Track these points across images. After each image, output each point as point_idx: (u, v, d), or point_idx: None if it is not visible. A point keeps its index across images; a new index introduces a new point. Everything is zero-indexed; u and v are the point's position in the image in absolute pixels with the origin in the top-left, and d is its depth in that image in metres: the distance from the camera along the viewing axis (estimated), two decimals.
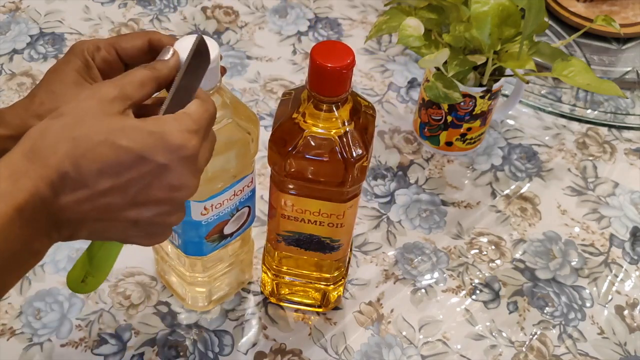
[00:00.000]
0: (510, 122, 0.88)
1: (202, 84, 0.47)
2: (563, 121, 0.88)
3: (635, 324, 0.71)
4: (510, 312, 0.71)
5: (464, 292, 0.72)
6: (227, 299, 0.69)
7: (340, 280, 0.68)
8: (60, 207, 0.41)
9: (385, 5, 0.78)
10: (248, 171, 0.58)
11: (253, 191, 0.60)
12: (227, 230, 0.60)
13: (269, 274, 0.67)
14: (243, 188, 0.58)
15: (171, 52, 0.46)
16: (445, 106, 0.78)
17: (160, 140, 0.41)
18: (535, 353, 0.68)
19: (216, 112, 0.46)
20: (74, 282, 0.50)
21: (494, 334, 0.69)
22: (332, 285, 0.67)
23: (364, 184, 0.79)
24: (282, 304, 0.69)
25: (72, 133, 0.40)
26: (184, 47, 0.46)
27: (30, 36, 0.91)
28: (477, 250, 0.75)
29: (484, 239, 0.76)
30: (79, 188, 0.40)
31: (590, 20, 0.92)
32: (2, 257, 0.39)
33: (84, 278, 0.50)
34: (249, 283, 0.70)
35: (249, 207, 0.61)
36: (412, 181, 0.80)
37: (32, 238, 0.41)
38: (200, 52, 0.45)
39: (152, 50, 0.49)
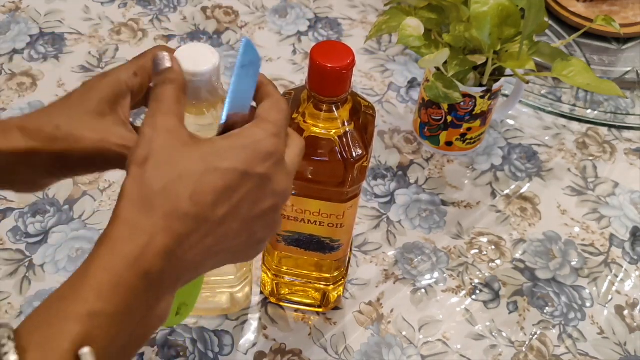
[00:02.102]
0: (510, 122, 0.88)
1: (204, 95, 0.47)
2: (563, 121, 0.88)
3: (635, 324, 0.71)
4: (510, 312, 0.71)
5: (464, 292, 0.72)
6: (220, 313, 0.67)
7: (340, 280, 0.68)
8: (185, 253, 0.39)
9: (385, 5, 0.78)
10: None
11: None
12: None
13: (269, 274, 0.67)
14: None
15: (167, 57, 0.45)
16: (445, 106, 0.78)
17: (255, 151, 0.41)
18: (535, 353, 0.68)
19: (289, 109, 0.45)
20: (169, 317, 0.47)
21: (494, 334, 0.69)
22: (332, 285, 0.67)
23: (364, 184, 0.79)
24: (282, 304, 0.69)
25: (174, 172, 0.39)
26: (184, 56, 0.45)
27: (30, 36, 0.91)
28: (477, 250, 0.75)
29: (484, 239, 0.76)
30: (201, 225, 0.39)
31: (590, 20, 0.92)
32: (129, 328, 0.37)
33: (178, 310, 0.48)
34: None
35: None
36: (412, 181, 0.80)
37: (159, 300, 0.39)
38: (247, 55, 0.43)
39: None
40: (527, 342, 0.69)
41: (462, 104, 0.76)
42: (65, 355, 0.34)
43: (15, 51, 0.89)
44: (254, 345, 0.66)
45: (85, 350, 0.34)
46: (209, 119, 0.50)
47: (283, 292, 0.69)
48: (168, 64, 0.44)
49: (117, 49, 0.90)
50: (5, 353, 0.33)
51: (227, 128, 0.43)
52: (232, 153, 0.40)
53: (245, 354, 0.66)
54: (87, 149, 0.44)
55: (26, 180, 0.46)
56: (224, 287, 0.65)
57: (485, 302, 0.71)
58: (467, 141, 0.81)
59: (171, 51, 0.47)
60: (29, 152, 0.44)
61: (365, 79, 0.90)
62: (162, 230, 0.37)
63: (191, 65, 0.46)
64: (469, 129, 0.80)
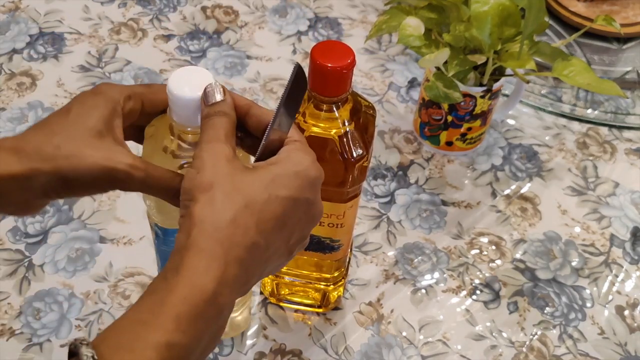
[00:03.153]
0: (511, 122, 0.87)
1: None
2: (563, 121, 0.88)
3: (635, 324, 0.71)
4: (511, 312, 0.71)
5: (464, 292, 0.72)
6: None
7: (340, 280, 0.68)
8: (249, 280, 0.41)
9: (385, 5, 0.78)
10: None
11: None
12: None
13: None
14: None
15: (220, 89, 0.45)
16: (445, 106, 0.78)
17: (305, 178, 0.43)
18: (536, 353, 0.68)
19: None
20: None
21: (494, 334, 0.69)
22: (332, 286, 0.67)
23: (364, 184, 0.79)
24: (282, 304, 0.69)
25: (241, 201, 0.40)
26: (178, 81, 0.45)
27: (30, 36, 0.91)
28: (477, 250, 0.75)
29: (484, 239, 0.76)
30: (263, 252, 0.41)
31: (591, 20, 0.92)
32: (197, 353, 0.39)
33: None
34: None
35: None
36: (412, 181, 0.80)
37: (222, 324, 0.41)
38: (298, 80, 0.44)
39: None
40: (527, 343, 0.69)
41: (462, 103, 0.76)
42: None
43: (14, 51, 0.89)
44: (254, 345, 0.66)
45: None
46: None
47: (283, 292, 0.68)
48: (221, 96, 0.45)
49: (116, 49, 0.90)
50: None
51: (267, 146, 0.44)
52: (286, 180, 0.42)
53: (245, 354, 0.66)
54: (91, 168, 0.43)
55: (18, 203, 0.45)
56: None
57: (485, 303, 0.71)
58: (468, 141, 0.81)
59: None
60: (25, 174, 0.43)
61: (365, 79, 0.90)
62: (234, 260, 0.39)
63: (187, 91, 0.45)
64: (469, 129, 0.80)
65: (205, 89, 0.45)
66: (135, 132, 0.50)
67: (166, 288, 0.38)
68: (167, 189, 0.44)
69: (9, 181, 0.42)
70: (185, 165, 0.48)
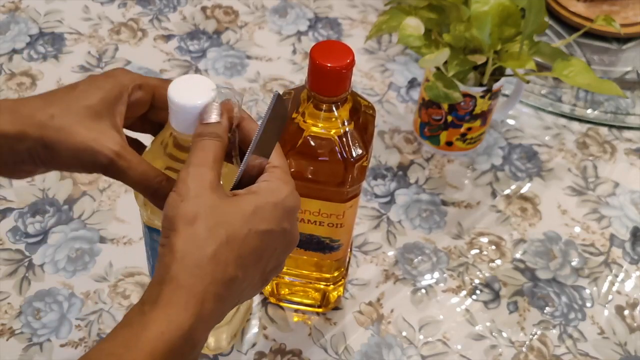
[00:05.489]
0: (511, 122, 0.87)
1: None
2: (563, 121, 0.88)
3: (635, 324, 0.71)
4: (511, 312, 0.71)
5: (464, 292, 0.72)
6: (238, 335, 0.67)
7: (340, 280, 0.68)
8: (223, 312, 0.42)
9: (385, 5, 0.78)
10: None
11: None
12: None
13: None
14: None
15: (218, 111, 0.45)
16: (445, 106, 0.78)
17: (283, 209, 0.43)
18: (536, 353, 0.68)
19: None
20: None
21: (494, 334, 0.69)
22: (332, 286, 0.67)
23: (364, 184, 0.79)
24: (282, 304, 0.69)
25: (222, 235, 0.40)
26: (180, 88, 0.45)
27: (30, 36, 0.91)
28: (477, 250, 0.75)
29: (484, 239, 0.76)
30: (239, 285, 0.42)
31: (591, 20, 0.92)
32: None
33: None
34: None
35: None
36: (412, 181, 0.80)
37: (195, 356, 0.41)
38: (277, 109, 0.44)
39: None
40: (527, 342, 0.69)
41: (462, 103, 0.76)
42: None
43: (14, 51, 0.89)
44: (254, 345, 0.66)
45: None
46: None
47: (283, 292, 0.68)
48: (218, 118, 0.44)
49: (116, 49, 0.90)
50: None
51: (246, 172, 0.44)
52: (266, 213, 0.42)
53: (245, 354, 0.66)
54: (78, 145, 0.43)
55: (7, 163, 0.45)
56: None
57: (485, 302, 0.71)
58: (468, 141, 0.81)
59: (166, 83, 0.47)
60: (14, 135, 0.43)
61: (365, 79, 0.90)
62: (212, 296, 0.40)
63: (186, 98, 0.45)
64: (469, 129, 0.80)
65: (205, 106, 0.45)
66: (148, 125, 0.50)
67: (142, 321, 0.38)
68: (147, 186, 0.44)
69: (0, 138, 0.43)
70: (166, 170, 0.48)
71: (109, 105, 0.45)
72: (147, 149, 0.50)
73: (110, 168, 0.44)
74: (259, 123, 0.44)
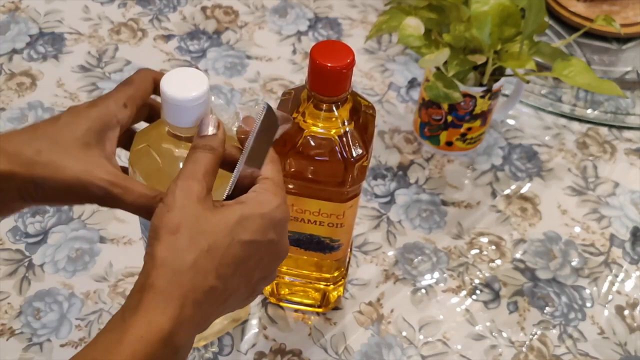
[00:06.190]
0: (511, 122, 0.87)
1: (195, 122, 0.46)
2: (563, 121, 0.88)
3: (635, 324, 0.71)
4: (511, 312, 0.71)
5: (464, 292, 0.72)
6: (219, 335, 0.66)
7: (340, 280, 0.68)
8: (205, 320, 0.42)
9: (385, 5, 0.78)
10: None
11: None
12: None
13: None
14: None
15: (214, 123, 0.45)
16: (445, 106, 0.78)
17: (270, 220, 0.43)
18: (536, 353, 0.68)
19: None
20: None
21: (494, 334, 0.69)
22: (332, 286, 0.67)
23: (364, 184, 0.79)
24: (282, 304, 0.69)
25: (203, 245, 0.41)
26: (172, 82, 0.45)
27: (30, 36, 0.91)
28: (477, 250, 0.75)
29: (484, 239, 0.76)
30: (220, 294, 0.42)
31: (591, 20, 0.92)
32: None
33: None
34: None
35: None
36: (412, 181, 0.80)
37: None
38: (267, 119, 0.45)
39: None
40: (527, 342, 0.69)
41: (462, 103, 0.76)
42: None
43: (14, 51, 0.89)
44: (254, 345, 0.66)
45: None
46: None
47: (283, 292, 0.68)
48: (214, 130, 0.44)
49: (116, 49, 0.90)
50: None
51: (237, 183, 0.45)
52: (251, 224, 0.42)
53: (245, 354, 0.66)
54: (68, 179, 0.43)
55: None
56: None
57: (485, 302, 0.71)
58: (468, 141, 0.81)
59: (159, 75, 0.47)
60: (3, 175, 0.42)
61: (365, 79, 0.90)
62: (191, 302, 0.40)
63: (179, 91, 0.45)
64: (469, 129, 0.80)
65: (202, 119, 0.45)
66: (157, 115, 0.50)
67: (123, 327, 0.39)
68: (148, 208, 0.44)
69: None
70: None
71: (96, 134, 0.44)
72: (141, 130, 0.50)
73: (106, 198, 0.43)
74: (250, 135, 0.45)
